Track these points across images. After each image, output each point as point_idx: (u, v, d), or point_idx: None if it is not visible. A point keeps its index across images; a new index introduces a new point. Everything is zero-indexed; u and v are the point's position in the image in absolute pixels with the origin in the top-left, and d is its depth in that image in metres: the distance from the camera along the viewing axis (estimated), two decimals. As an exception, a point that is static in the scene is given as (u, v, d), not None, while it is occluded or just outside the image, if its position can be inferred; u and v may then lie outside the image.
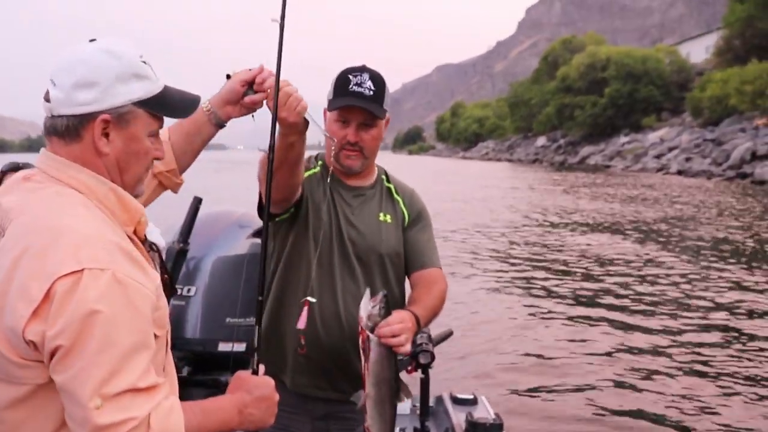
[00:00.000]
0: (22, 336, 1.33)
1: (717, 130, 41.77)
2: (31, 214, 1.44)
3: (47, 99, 1.51)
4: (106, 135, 1.51)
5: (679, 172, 38.53)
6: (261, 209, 2.44)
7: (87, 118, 1.49)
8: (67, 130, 1.51)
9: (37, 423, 1.41)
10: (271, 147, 2.01)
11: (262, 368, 1.77)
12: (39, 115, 1.59)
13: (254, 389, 1.65)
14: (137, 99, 1.54)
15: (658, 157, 45.22)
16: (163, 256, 1.72)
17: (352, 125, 2.41)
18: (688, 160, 40.03)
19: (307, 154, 2.32)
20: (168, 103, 1.60)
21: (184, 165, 2.09)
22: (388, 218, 2.53)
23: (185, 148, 2.07)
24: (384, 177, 2.64)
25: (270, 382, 1.70)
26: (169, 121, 1.72)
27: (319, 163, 2.56)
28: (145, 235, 1.60)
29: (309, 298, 2.36)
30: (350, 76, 2.39)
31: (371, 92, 2.38)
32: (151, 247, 1.63)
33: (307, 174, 2.49)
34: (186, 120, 2.03)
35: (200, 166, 2.22)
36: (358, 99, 2.37)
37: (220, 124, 2.08)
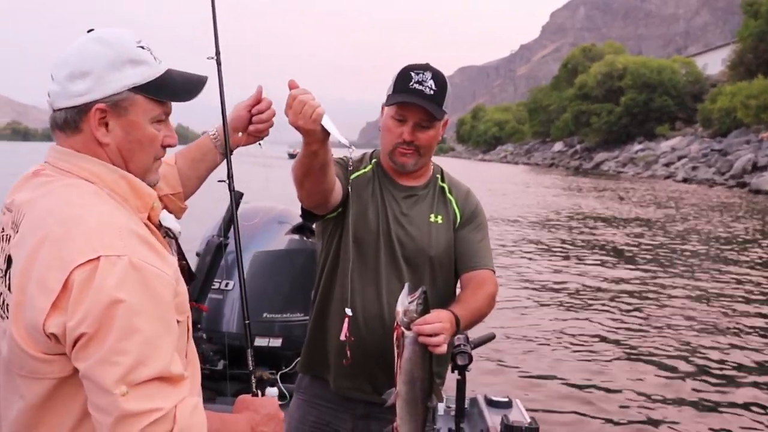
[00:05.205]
0: (42, 330, 1.26)
1: (724, 141, 41.55)
2: (42, 208, 1.37)
3: (48, 94, 1.44)
4: (105, 124, 1.43)
5: (685, 180, 38.52)
6: (305, 213, 2.29)
7: (83, 109, 1.41)
8: (66, 122, 1.43)
9: (60, 415, 1.35)
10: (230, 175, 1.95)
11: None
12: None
13: (261, 408, 1.61)
14: (132, 85, 1.44)
15: (668, 165, 44.94)
16: (179, 242, 1.64)
17: (408, 123, 2.22)
18: (694, 168, 39.84)
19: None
20: (169, 87, 1.49)
21: (189, 191, 1.99)
22: (440, 219, 2.33)
23: (189, 174, 1.97)
24: (439, 176, 2.43)
25: (274, 401, 1.67)
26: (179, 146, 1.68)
27: (373, 161, 2.38)
28: (159, 221, 1.50)
29: (347, 311, 2.16)
30: (412, 73, 2.19)
31: (432, 92, 2.18)
32: (166, 233, 1.53)
33: (356, 174, 2.33)
34: (192, 146, 1.99)
35: (240, 160, 2.10)
36: (416, 97, 2.17)
37: None
